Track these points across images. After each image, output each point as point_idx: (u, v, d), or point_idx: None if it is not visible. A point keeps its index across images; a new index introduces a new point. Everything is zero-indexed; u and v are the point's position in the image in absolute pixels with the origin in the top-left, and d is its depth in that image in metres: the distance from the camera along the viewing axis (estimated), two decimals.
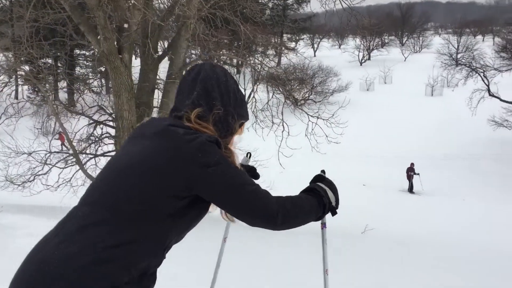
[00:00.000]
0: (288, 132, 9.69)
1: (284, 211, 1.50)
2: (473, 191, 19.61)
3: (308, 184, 1.79)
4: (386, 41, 66.94)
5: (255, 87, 10.94)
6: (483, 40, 71.48)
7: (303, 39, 60.10)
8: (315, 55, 62.35)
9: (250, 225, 1.52)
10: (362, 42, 60.73)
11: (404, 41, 75.67)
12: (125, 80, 7.66)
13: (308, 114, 9.87)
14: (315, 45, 69.43)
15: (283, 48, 18.94)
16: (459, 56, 36.96)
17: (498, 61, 25.75)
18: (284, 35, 49.33)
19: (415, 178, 20.01)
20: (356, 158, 24.54)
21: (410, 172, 20.08)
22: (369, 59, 61.15)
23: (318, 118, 9.73)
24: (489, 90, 24.45)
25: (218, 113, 1.56)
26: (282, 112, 9.95)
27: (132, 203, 1.38)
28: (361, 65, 57.29)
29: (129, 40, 7.75)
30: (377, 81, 45.39)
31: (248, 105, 9.83)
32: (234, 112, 1.62)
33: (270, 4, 38.98)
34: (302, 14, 48.46)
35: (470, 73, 25.86)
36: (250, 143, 10.51)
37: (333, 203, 1.72)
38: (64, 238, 1.34)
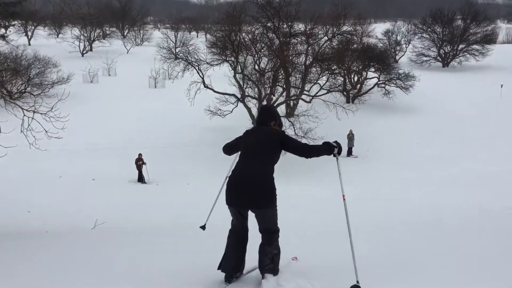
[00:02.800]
0: (0, 130, 8.64)
1: (312, 149, 4.42)
2: (197, 175, 21.43)
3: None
4: (108, 32, 66.09)
5: None
6: (197, 36, 77.91)
7: (14, 25, 53.88)
8: (29, 44, 56.89)
9: (300, 155, 4.38)
10: (82, 32, 58.42)
11: (125, 34, 76.14)
12: None
13: (23, 109, 8.99)
14: (29, 33, 63.34)
15: None
16: (177, 50, 39.38)
17: (210, 56, 28.46)
18: None
19: (144, 168, 20.60)
20: (83, 152, 23.69)
21: (139, 162, 20.55)
22: (91, 50, 59.34)
23: (34, 112, 8.95)
24: (204, 82, 26.88)
25: (278, 123, 4.70)
26: None
27: (267, 156, 4.38)
28: (83, 56, 55.13)
29: None
30: (101, 73, 44.53)
31: None
32: (280, 122, 4.74)
33: None
34: None
35: (187, 66, 27.87)
36: None
37: (337, 150, 4.43)
38: (252, 170, 4.33)
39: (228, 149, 4.93)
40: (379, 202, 13.72)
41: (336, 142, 4.42)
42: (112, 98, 35.15)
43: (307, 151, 4.38)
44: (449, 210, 11.28)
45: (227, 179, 4.54)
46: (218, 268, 4.61)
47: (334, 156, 4.48)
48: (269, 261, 4.47)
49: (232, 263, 4.58)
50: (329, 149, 4.38)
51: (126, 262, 6.18)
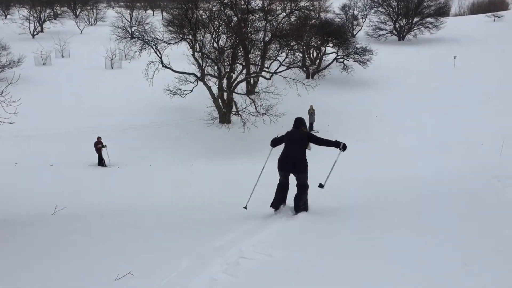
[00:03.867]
0: None
1: (325, 141, 7.44)
2: (159, 156, 21.22)
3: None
4: (59, 12, 63.56)
5: None
6: (153, 15, 76.12)
7: None
8: None
9: (318, 145, 7.46)
10: (31, 13, 55.94)
11: (78, 13, 73.46)
12: None
13: None
14: None
15: None
16: (133, 29, 38.40)
17: (167, 35, 27.86)
18: None
19: (104, 151, 20.21)
20: (39, 137, 22.95)
21: (98, 145, 20.13)
22: (42, 31, 56.97)
23: None
24: (162, 62, 26.36)
25: (304, 127, 7.73)
26: None
27: (301, 145, 7.38)
28: (33, 37, 52.89)
29: None
30: (53, 54, 42.94)
31: None
32: (306, 127, 7.86)
33: None
34: None
35: (144, 45, 27.22)
36: None
37: (342, 147, 7.33)
38: (294, 153, 7.36)
39: (274, 143, 8.04)
40: (342, 170, 14.00)
41: (344, 144, 7.37)
42: (67, 80, 34.07)
43: (321, 142, 7.48)
44: (409, 179, 11.66)
45: (278, 158, 7.54)
46: (270, 206, 7.59)
47: (340, 149, 7.36)
48: (302, 204, 7.48)
49: (278, 203, 7.60)
50: (335, 143, 7.36)
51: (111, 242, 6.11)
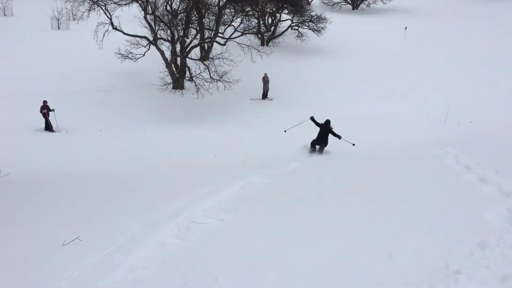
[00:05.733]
0: None
1: (335, 134, 13.65)
2: (109, 122, 20.71)
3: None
4: None
5: None
6: None
7: None
8: None
9: (332, 136, 13.69)
10: None
11: None
12: None
13: None
14: None
15: None
16: None
17: None
18: None
19: (51, 115, 19.49)
20: None
21: (44, 110, 19.36)
22: None
23: None
24: (112, 24, 25.33)
25: (329, 125, 13.82)
26: None
27: (327, 134, 13.63)
28: None
29: None
30: None
31: None
32: (330, 124, 13.86)
33: None
34: None
35: (92, 6, 25.96)
36: None
37: (340, 137, 13.55)
38: (323, 137, 13.69)
39: (313, 120, 13.62)
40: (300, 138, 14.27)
41: (340, 136, 13.19)
42: (10, 40, 32.22)
43: (333, 134, 13.27)
44: (363, 146, 12.04)
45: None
46: (310, 148, 13.84)
47: (339, 138, 13.24)
48: (321, 151, 13.56)
49: (312, 149, 13.70)
50: (338, 136, 13.20)
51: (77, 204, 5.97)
